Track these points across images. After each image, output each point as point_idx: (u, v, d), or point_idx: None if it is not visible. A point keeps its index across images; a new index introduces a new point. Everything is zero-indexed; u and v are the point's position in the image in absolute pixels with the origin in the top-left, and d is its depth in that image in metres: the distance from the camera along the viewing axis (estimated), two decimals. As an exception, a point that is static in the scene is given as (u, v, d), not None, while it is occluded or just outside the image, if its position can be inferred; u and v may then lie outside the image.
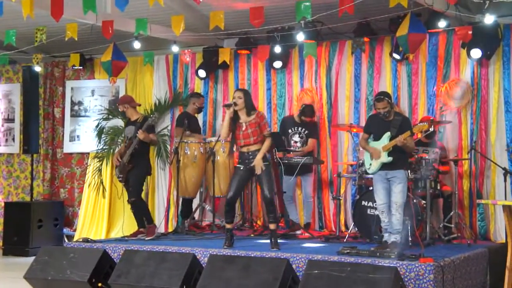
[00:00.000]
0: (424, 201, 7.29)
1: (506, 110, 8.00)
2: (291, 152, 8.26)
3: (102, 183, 9.99)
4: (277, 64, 9.13)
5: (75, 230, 10.39)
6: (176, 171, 8.44)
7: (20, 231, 9.70)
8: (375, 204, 6.93)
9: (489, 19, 7.42)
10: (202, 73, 9.57)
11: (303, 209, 8.71)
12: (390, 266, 5.56)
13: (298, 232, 8.18)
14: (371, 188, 7.21)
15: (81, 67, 10.26)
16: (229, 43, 9.47)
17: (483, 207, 8.00)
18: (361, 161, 7.48)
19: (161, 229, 9.05)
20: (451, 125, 8.21)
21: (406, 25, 7.03)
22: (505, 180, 7.52)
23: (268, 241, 6.92)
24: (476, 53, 7.85)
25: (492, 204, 7.65)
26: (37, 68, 10.20)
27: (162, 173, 9.90)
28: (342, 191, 8.30)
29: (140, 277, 6.17)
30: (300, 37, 8.35)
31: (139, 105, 8.45)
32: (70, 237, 10.19)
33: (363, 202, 7.46)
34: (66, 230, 10.36)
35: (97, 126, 10.09)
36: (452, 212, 7.66)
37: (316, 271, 5.55)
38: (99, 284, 6.44)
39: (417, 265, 5.69)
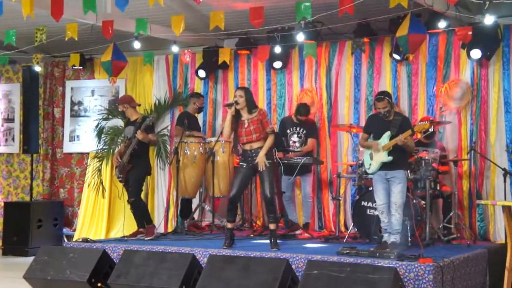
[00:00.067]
0: (423, 202, 7.29)
1: (505, 111, 8.00)
2: (291, 152, 8.26)
3: (102, 183, 9.99)
4: (277, 64, 9.13)
5: (74, 230, 10.39)
6: (175, 171, 8.44)
7: (20, 231, 9.69)
8: (375, 205, 6.93)
9: (489, 20, 7.42)
10: (202, 73, 9.57)
11: (302, 209, 8.71)
12: (389, 267, 5.56)
13: (298, 232, 8.18)
14: (370, 188, 7.21)
15: (81, 67, 10.26)
16: (229, 43, 9.47)
17: (482, 207, 8.00)
18: (360, 162, 7.48)
19: (160, 229, 9.05)
20: (451, 126, 8.21)
21: (406, 25, 7.03)
22: (504, 181, 7.52)
23: (268, 241, 6.91)
24: (476, 53, 7.86)
25: (491, 204, 7.65)
26: (37, 68, 10.20)
27: (161, 173, 9.90)
28: (341, 191, 8.29)
29: (139, 277, 6.17)
30: (300, 37, 8.35)
31: (139, 105, 8.45)
32: (70, 237, 10.19)
33: (362, 203, 7.46)
34: (65, 230, 10.35)
35: (97, 126, 10.09)
36: (451, 213, 7.66)
37: (315, 272, 5.55)
38: (99, 284, 6.44)
39: (416, 265, 5.69)
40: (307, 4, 6.87)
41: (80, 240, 7.68)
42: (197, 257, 6.38)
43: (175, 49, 9.27)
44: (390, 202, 6.68)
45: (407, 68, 8.56)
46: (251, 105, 6.93)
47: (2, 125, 11.29)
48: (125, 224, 9.50)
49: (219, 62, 8.92)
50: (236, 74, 9.62)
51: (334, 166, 8.85)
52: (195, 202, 9.07)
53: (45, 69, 10.95)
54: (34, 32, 8.24)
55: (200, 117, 9.43)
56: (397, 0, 6.60)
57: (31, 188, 10.31)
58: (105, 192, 10.07)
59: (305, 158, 8.08)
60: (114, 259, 6.69)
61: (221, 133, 8.43)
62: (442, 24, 7.98)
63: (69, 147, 10.84)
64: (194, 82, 9.86)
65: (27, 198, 10.63)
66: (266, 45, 8.70)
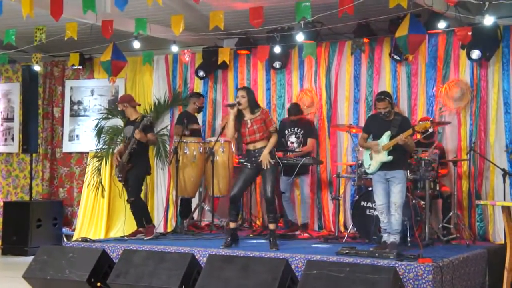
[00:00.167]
0: (423, 202, 7.29)
1: (505, 111, 8.00)
2: (290, 153, 8.25)
3: (101, 182, 9.99)
4: (277, 64, 9.13)
5: (74, 230, 10.39)
6: (175, 170, 8.44)
7: (19, 231, 9.69)
8: (374, 205, 6.93)
9: (488, 20, 7.42)
10: (201, 73, 9.57)
11: (300, 210, 8.70)
12: (389, 267, 5.57)
13: (297, 232, 8.17)
14: (370, 188, 7.21)
15: (81, 67, 10.26)
16: (229, 43, 9.47)
17: (482, 208, 8.00)
18: (360, 162, 7.48)
19: (160, 229, 9.05)
20: (451, 126, 8.22)
21: (405, 25, 7.03)
22: (504, 181, 7.53)
23: (267, 241, 6.91)
24: (476, 54, 7.86)
25: (491, 205, 7.65)
26: (37, 68, 10.21)
27: (161, 172, 9.90)
28: (341, 191, 8.29)
29: (139, 277, 6.17)
30: (300, 37, 8.35)
31: (139, 104, 8.45)
32: (69, 237, 10.19)
33: (362, 203, 7.46)
34: (65, 230, 10.36)
35: (96, 126, 10.09)
36: (451, 213, 7.66)
37: (315, 271, 5.55)
38: (98, 284, 6.44)
39: (416, 265, 5.70)
40: (307, 4, 6.87)
41: (80, 239, 7.68)
42: (197, 257, 6.38)
43: (174, 49, 9.27)
44: (389, 202, 6.68)
45: (407, 68, 8.56)
46: (254, 105, 6.92)
47: (2, 125, 11.29)
48: (126, 224, 9.47)
49: (219, 62, 8.91)
50: (236, 74, 9.62)
51: (333, 166, 8.85)
52: (194, 201, 9.07)
53: (44, 69, 10.95)
54: (33, 32, 8.24)
55: (200, 117, 9.43)
56: (396, 0, 6.60)
57: (31, 188, 10.30)
58: (104, 192, 10.08)
59: (304, 158, 8.08)
60: (114, 259, 6.69)
61: (221, 133, 8.49)
62: (441, 25, 7.99)
63: (68, 146, 10.84)
64: (194, 82, 9.86)
65: (27, 198, 10.63)
66: (265, 45, 8.69)
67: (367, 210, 7.40)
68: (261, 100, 9.34)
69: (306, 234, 8.07)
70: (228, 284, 5.77)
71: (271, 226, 6.88)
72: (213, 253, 6.44)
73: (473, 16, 7.66)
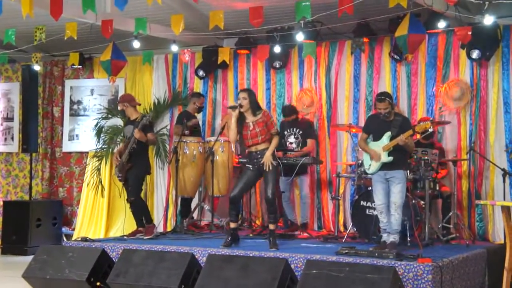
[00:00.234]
0: (423, 202, 7.29)
1: (505, 111, 8.00)
2: (290, 153, 8.24)
3: (101, 182, 9.99)
4: (277, 64, 9.13)
5: (73, 229, 10.39)
6: (175, 170, 8.45)
7: (19, 230, 9.69)
8: (374, 204, 6.93)
9: (488, 20, 7.42)
10: (201, 72, 9.57)
11: (300, 209, 8.70)
12: (388, 266, 5.56)
13: (297, 232, 8.17)
14: (370, 188, 7.21)
15: (81, 66, 10.25)
16: (229, 42, 9.47)
17: (481, 207, 8.00)
18: (360, 161, 7.47)
19: (159, 228, 9.04)
20: (450, 126, 8.22)
21: (405, 25, 7.03)
22: (503, 181, 7.52)
23: (267, 241, 6.91)
24: (476, 53, 7.86)
25: (490, 204, 7.66)
26: (36, 67, 10.21)
27: (161, 172, 9.90)
28: (341, 191, 8.30)
29: (138, 276, 6.17)
30: (300, 37, 8.34)
31: (139, 104, 8.45)
32: (69, 236, 10.19)
33: (362, 202, 7.46)
34: (64, 229, 10.36)
35: (96, 125, 10.09)
36: (450, 213, 7.66)
37: (314, 271, 5.55)
38: (98, 283, 6.44)
39: (415, 265, 5.69)
40: (307, 3, 6.86)
41: (79, 239, 7.67)
42: (196, 257, 6.38)
43: (174, 48, 9.26)
44: (389, 202, 6.68)
45: (407, 68, 8.56)
46: (255, 107, 6.90)
47: (1, 124, 11.29)
48: (126, 223, 9.47)
49: (219, 62, 8.92)
50: (236, 73, 9.62)
51: (333, 165, 8.85)
52: (194, 201, 9.07)
53: (44, 68, 10.95)
54: (33, 31, 8.24)
55: (200, 116, 9.43)
56: (396, 0, 6.60)
57: (30, 187, 10.30)
58: (104, 191, 10.07)
59: (304, 158, 8.07)
60: (113, 258, 6.69)
61: (220, 132, 8.49)
62: (441, 24, 7.98)
63: (68, 146, 10.83)
64: (194, 81, 9.85)
65: (26, 197, 10.63)
66: (265, 44, 8.69)
67: (367, 210, 7.40)
68: (261, 100, 9.33)
69: (305, 234, 8.07)
70: (227, 283, 5.77)
71: (271, 226, 6.88)
72: (213, 252, 6.44)
73: (473, 16, 7.65)
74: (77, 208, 10.56)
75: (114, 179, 9.71)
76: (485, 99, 8.12)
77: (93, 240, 7.60)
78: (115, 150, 9.44)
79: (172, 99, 9.90)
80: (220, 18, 7.22)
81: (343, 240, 7.50)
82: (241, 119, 6.86)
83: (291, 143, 8.44)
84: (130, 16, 8.00)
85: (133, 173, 7.85)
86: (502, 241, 7.22)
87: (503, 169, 7.58)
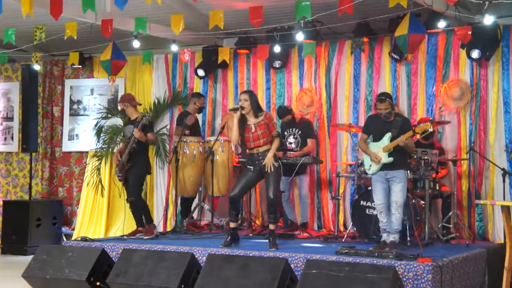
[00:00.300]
0: (423, 202, 7.29)
1: (505, 111, 8.00)
2: (289, 152, 8.25)
3: (101, 182, 9.99)
4: (277, 63, 9.13)
5: (73, 229, 10.39)
6: (175, 170, 8.44)
7: (19, 230, 9.69)
8: (374, 204, 6.93)
9: (488, 20, 7.42)
10: (201, 72, 9.57)
11: (299, 209, 8.70)
12: (388, 266, 5.56)
13: (297, 232, 8.17)
14: (370, 188, 7.21)
15: (80, 66, 10.25)
16: (229, 42, 9.47)
17: (481, 207, 8.00)
18: (360, 161, 7.47)
19: (159, 228, 9.03)
20: (450, 126, 8.22)
21: (405, 25, 7.03)
22: (503, 181, 7.53)
23: (267, 240, 6.91)
24: (476, 53, 7.86)
25: (490, 204, 7.66)
26: (36, 67, 10.21)
27: (160, 172, 9.89)
28: (341, 191, 8.29)
29: (138, 276, 6.17)
30: (300, 36, 8.34)
31: (140, 104, 8.46)
32: (69, 236, 10.19)
33: (361, 202, 7.46)
34: (64, 229, 10.35)
35: (96, 125, 10.09)
36: (450, 213, 7.66)
37: (314, 271, 5.55)
38: (98, 283, 6.44)
39: (415, 265, 5.69)
40: (307, 3, 6.86)
41: (79, 239, 7.67)
42: (196, 256, 6.38)
43: (174, 48, 9.26)
44: (390, 201, 6.68)
45: (407, 67, 8.56)
46: (257, 108, 6.89)
47: (1, 124, 11.29)
48: (126, 223, 9.48)
49: (219, 61, 8.92)
50: (236, 73, 9.61)
51: (333, 165, 8.85)
52: (194, 201, 9.06)
53: (44, 68, 10.95)
54: (33, 31, 8.24)
55: (200, 116, 9.43)
56: (396, 0, 6.60)
57: (30, 187, 10.30)
58: (104, 191, 10.07)
59: (304, 157, 8.07)
60: (113, 258, 6.69)
61: (220, 132, 8.49)
62: (441, 24, 7.98)
63: (68, 146, 10.83)
64: (194, 81, 9.85)
65: (26, 197, 10.63)
66: (265, 44, 8.69)
67: (367, 210, 7.40)
68: (261, 100, 9.33)
69: (305, 234, 8.07)
70: (227, 283, 5.77)
71: (271, 226, 6.88)
72: (213, 252, 6.44)
73: (473, 16, 7.66)
74: (77, 208, 10.56)
75: (114, 179, 9.71)
76: (485, 99, 8.12)
77: (93, 240, 7.60)
78: (115, 150, 9.44)
79: (172, 99, 9.90)
80: (220, 17, 7.22)
81: (343, 240, 7.51)
82: (242, 121, 6.86)
83: (290, 143, 8.44)
84: (130, 15, 8.00)
85: (133, 173, 7.84)
86: (502, 241, 7.22)
87: (503, 169, 7.58)
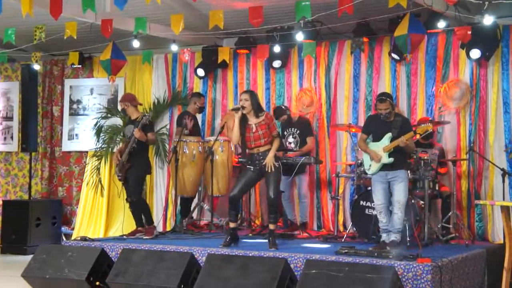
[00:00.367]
0: (422, 202, 7.29)
1: (504, 111, 8.00)
2: (290, 152, 8.25)
3: (101, 181, 9.98)
4: (276, 63, 9.13)
5: (73, 229, 10.38)
6: (174, 170, 8.44)
7: (18, 230, 9.69)
8: (374, 204, 6.93)
9: (488, 20, 7.42)
10: (201, 72, 9.56)
11: (299, 209, 8.70)
12: (388, 266, 5.56)
13: (296, 232, 8.17)
14: (369, 188, 7.21)
15: (80, 66, 10.25)
16: (229, 42, 9.46)
17: (481, 207, 8.00)
18: (359, 161, 7.48)
19: (159, 228, 9.03)
20: (450, 126, 8.22)
21: (405, 25, 7.03)
22: (503, 181, 7.52)
23: (266, 240, 6.91)
24: (475, 53, 7.86)
25: (490, 204, 7.66)
26: (36, 67, 10.20)
27: (160, 172, 9.89)
28: (340, 191, 8.30)
29: (138, 276, 6.17)
30: (300, 36, 8.34)
31: (141, 104, 8.45)
32: (68, 236, 10.19)
33: (361, 202, 7.46)
34: (64, 229, 10.35)
35: (95, 125, 10.08)
36: (450, 213, 7.66)
37: (314, 271, 5.55)
38: (97, 283, 6.44)
39: (415, 265, 5.69)
40: (307, 3, 6.86)
41: (79, 238, 7.66)
42: (196, 256, 6.38)
43: (174, 48, 9.25)
44: (393, 201, 6.68)
45: (406, 68, 8.56)
46: (258, 108, 6.90)
47: (1, 124, 11.28)
48: (125, 223, 9.47)
49: (219, 61, 8.92)
50: (236, 73, 9.61)
51: (333, 165, 8.85)
52: (193, 201, 9.06)
53: (44, 68, 10.94)
54: (33, 31, 8.23)
55: (199, 116, 9.43)
56: (396, 0, 6.60)
57: (30, 187, 10.30)
58: (103, 191, 10.07)
59: (303, 157, 8.07)
60: (113, 258, 6.69)
61: (220, 132, 8.48)
62: (441, 24, 7.98)
63: (67, 145, 10.83)
64: (193, 81, 9.85)
65: (26, 197, 10.63)
66: (265, 44, 8.70)
67: (366, 210, 7.40)
68: (261, 100, 9.27)
69: (305, 234, 8.07)
70: (227, 283, 5.77)
71: (271, 226, 6.88)
72: (212, 252, 6.44)
73: (473, 16, 7.66)
74: (77, 207, 10.56)
75: (113, 179, 9.70)
76: (485, 99, 8.12)
77: (92, 240, 7.60)
78: (114, 150, 9.44)
79: (172, 99, 9.90)
80: (220, 17, 7.22)
81: (343, 240, 7.51)
82: (243, 120, 6.86)
83: (290, 143, 8.45)
84: (130, 15, 8.00)
85: (132, 173, 7.84)
86: (502, 241, 7.22)
87: (502, 169, 7.58)
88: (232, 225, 6.94)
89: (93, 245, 7.09)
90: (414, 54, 8.08)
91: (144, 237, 7.71)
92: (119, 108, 8.34)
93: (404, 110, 8.50)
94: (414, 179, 7.34)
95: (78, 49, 9.36)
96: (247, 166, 6.98)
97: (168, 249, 6.66)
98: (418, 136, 7.52)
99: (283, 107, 8.66)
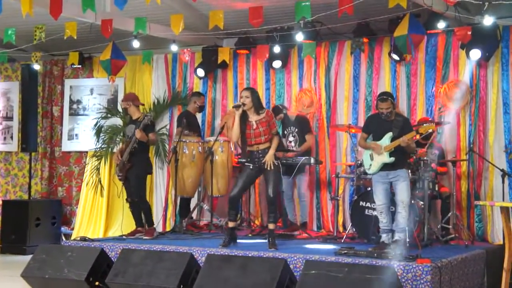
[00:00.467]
0: (422, 202, 7.29)
1: (504, 112, 8.00)
2: (289, 153, 8.25)
3: (100, 181, 9.98)
4: (276, 64, 9.13)
5: (72, 229, 10.39)
6: (174, 170, 8.44)
7: (18, 229, 9.69)
8: (373, 205, 6.93)
9: (488, 21, 7.42)
10: (201, 72, 9.57)
11: (299, 209, 8.70)
12: (387, 267, 5.56)
13: (296, 232, 8.17)
14: (369, 188, 7.21)
15: (80, 66, 10.25)
16: (229, 42, 9.47)
17: (480, 208, 8.01)
18: (359, 162, 7.48)
19: (158, 228, 9.03)
20: (450, 126, 8.21)
21: (405, 25, 7.03)
22: (503, 182, 7.52)
23: (266, 241, 6.91)
24: (475, 54, 7.85)
25: (489, 205, 7.66)
26: (36, 66, 10.20)
27: (160, 172, 9.89)
28: (340, 191, 8.29)
29: (137, 276, 6.16)
30: (300, 37, 8.34)
31: (142, 104, 8.45)
32: (68, 236, 10.19)
33: (361, 203, 7.46)
34: (63, 229, 10.35)
35: (95, 125, 10.08)
36: (450, 213, 7.66)
37: (313, 272, 5.55)
38: (97, 283, 6.43)
39: (414, 266, 5.69)
40: (307, 4, 6.87)
41: (78, 238, 7.66)
42: (195, 256, 6.38)
43: (174, 48, 9.26)
44: (396, 201, 6.66)
45: (406, 68, 8.56)
46: (258, 105, 6.90)
47: (1, 123, 11.28)
48: (124, 223, 9.47)
49: (219, 62, 8.92)
50: (235, 73, 9.62)
51: (333, 166, 8.85)
52: (193, 201, 9.06)
53: (44, 68, 10.94)
54: (33, 31, 8.23)
55: (199, 116, 9.43)
56: (396, 0, 6.60)
57: (29, 187, 10.30)
58: (103, 191, 10.07)
59: (303, 158, 8.07)
60: (112, 258, 6.68)
61: (220, 132, 8.48)
62: (441, 25, 7.99)
63: (67, 145, 10.83)
64: (193, 81, 9.85)
65: (25, 197, 10.63)
66: (265, 44, 8.70)
67: (366, 210, 7.40)
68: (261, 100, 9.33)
69: (305, 234, 8.07)
70: (226, 283, 5.77)
71: (271, 226, 6.88)
72: (212, 252, 6.44)
73: (473, 16, 7.66)
74: (76, 207, 10.56)
75: (113, 179, 9.70)
76: (485, 100, 8.12)
77: (92, 240, 7.60)
78: (114, 150, 9.44)
79: (172, 99, 9.90)
80: (220, 18, 7.22)
81: (342, 241, 7.50)
82: (243, 117, 6.86)
83: (290, 142, 8.45)
84: (130, 15, 8.00)
85: (133, 173, 7.84)
86: (501, 242, 7.23)
87: (502, 170, 7.58)
88: (231, 224, 6.94)
89: (92, 245, 7.09)
90: (414, 54, 8.07)
91: (144, 237, 7.70)
92: (120, 108, 8.34)
93: (404, 110, 8.50)
94: (413, 180, 7.34)
95: (78, 49, 9.36)
96: (246, 164, 6.98)
97: (167, 249, 6.66)
98: (418, 136, 7.52)
99: (280, 106, 8.66)
